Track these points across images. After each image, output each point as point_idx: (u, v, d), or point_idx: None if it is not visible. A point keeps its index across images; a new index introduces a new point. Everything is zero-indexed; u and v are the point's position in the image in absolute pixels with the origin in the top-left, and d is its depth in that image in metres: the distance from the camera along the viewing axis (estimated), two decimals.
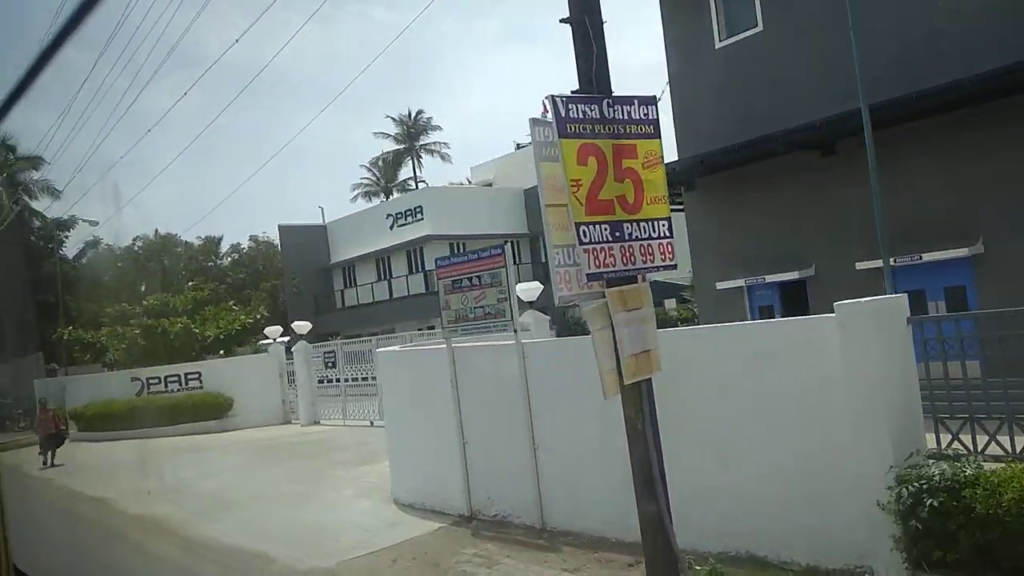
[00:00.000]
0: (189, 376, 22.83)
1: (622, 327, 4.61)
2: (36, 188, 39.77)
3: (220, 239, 54.69)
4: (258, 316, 27.01)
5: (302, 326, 22.44)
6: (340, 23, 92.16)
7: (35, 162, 39.27)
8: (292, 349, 21.94)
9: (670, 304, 35.53)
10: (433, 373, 8.63)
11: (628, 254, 4.70)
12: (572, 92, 4.75)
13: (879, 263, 13.62)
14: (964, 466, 4.68)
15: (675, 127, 17.20)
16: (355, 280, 37.59)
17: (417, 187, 50.52)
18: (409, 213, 33.63)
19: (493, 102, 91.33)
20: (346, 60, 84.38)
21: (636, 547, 6.52)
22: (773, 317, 15.40)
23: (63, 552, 9.19)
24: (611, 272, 4.59)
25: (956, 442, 5.31)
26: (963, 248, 12.57)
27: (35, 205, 40.16)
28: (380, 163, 53.09)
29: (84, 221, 36.21)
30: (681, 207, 20.63)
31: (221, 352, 26.69)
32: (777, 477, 5.60)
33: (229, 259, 54.58)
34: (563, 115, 4.53)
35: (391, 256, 35.18)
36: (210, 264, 52.88)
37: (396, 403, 9.59)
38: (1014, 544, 4.35)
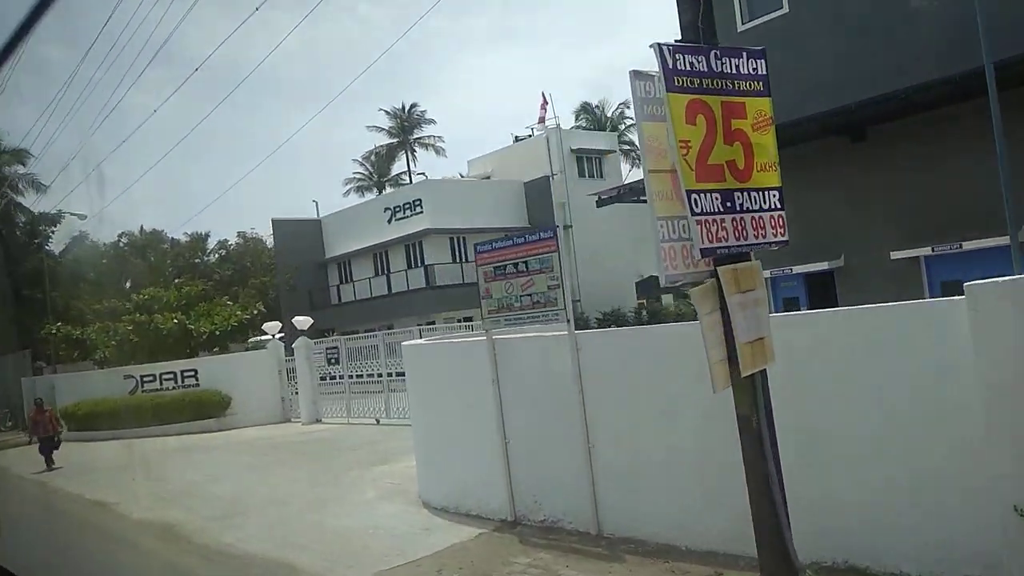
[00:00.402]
0: (185, 373, 22.08)
1: (737, 311, 4.03)
2: (21, 182, 38.78)
3: (207, 235, 53.70)
4: (254, 312, 26.24)
5: (303, 321, 21.76)
6: (324, 19, 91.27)
7: (20, 155, 38.27)
8: (293, 345, 21.23)
9: (667, 300, 35.11)
10: (470, 367, 8.03)
11: (740, 227, 4.13)
12: (676, 41, 4.17)
13: (916, 252, 13.16)
14: None
15: None
16: (351, 275, 36.85)
17: (411, 181, 49.77)
18: (408, 206, 32.92)
19: (482, 99, 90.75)
20: (330, 56, 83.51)
21: (710, 556, 5.97)
22: (799, 309, 14.92)
23: (65, 561, 8.54)
24: (723, 247, 4.01)
25: None
26: (1005, 236, 12.08)
27: (20, 200, 39.18)
28: (373, 157, 52.27)
29: (71, 215, 35.23)
30: None
31: (216, 349, 25.93)
32: (884, 478, 5.04)
33: (216, 256, 53.60)
34: (670, 66, 3.94)
35: (389, 250, 34.47)
36: (197, 261, 51.88)
37: (425, 400, 8.98)
38: None
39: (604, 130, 43.79)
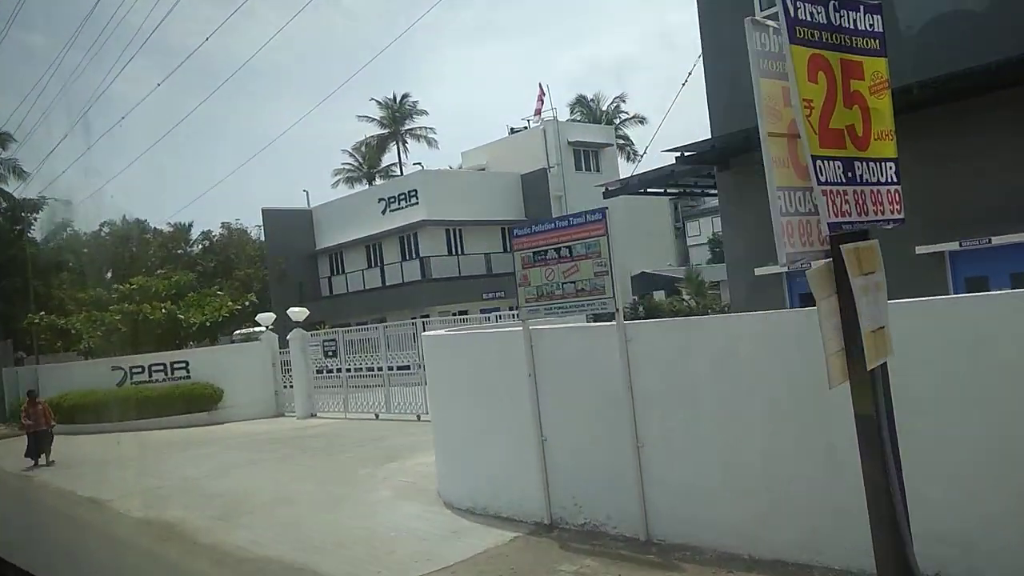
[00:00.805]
0: (175, 365, 21.39)
1: (860, 295, 3.55)
2: (2, 167, 37.74)
3: (190, 225, 52.82)
4: (246, 303, 25.55)
5: (298, 312, 21.10)
6: (308, 10, 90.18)
7: (1, 139, 37.24)
8: (287, 337, 20.61)
9: (659, 296, 34.77)
10: (502, 359, 7.55)
11: (861, 201, 3.66)
12: None
13: (942, 247, 12.81)
14: None
15: (707, 102, 16.24)
16: (343, 267, 36.16)
17: (402, 172, 49.11)
18: (403, 197, 32.28)
19: (467, 93, 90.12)
20: (313, 47, 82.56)
21: (778, 566, 5.51)
22: (814, 305, 14.52)
23: (61, 564, 7.95)
24: (847, 223, 3.54)
25: None
26: None
27: (1, 186, 38.13)
28: (363, 148, 51.51)
29: (56, 200, 34.28)
30: (713, 190, 19.75)
31: (206, 340, 25.24)
32: (992, 482, 4.60)
33: (199, 246, 52.70)
34: (792, 15, 3.45)
35: (383, 242, 33.81)
36: (180, 251, 50.96)
37: (448, 394, 8.46)
38: None
39: (599, 124, 43.32)
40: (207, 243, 52.12)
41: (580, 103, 46.75)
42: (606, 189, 19.37)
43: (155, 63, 69.24)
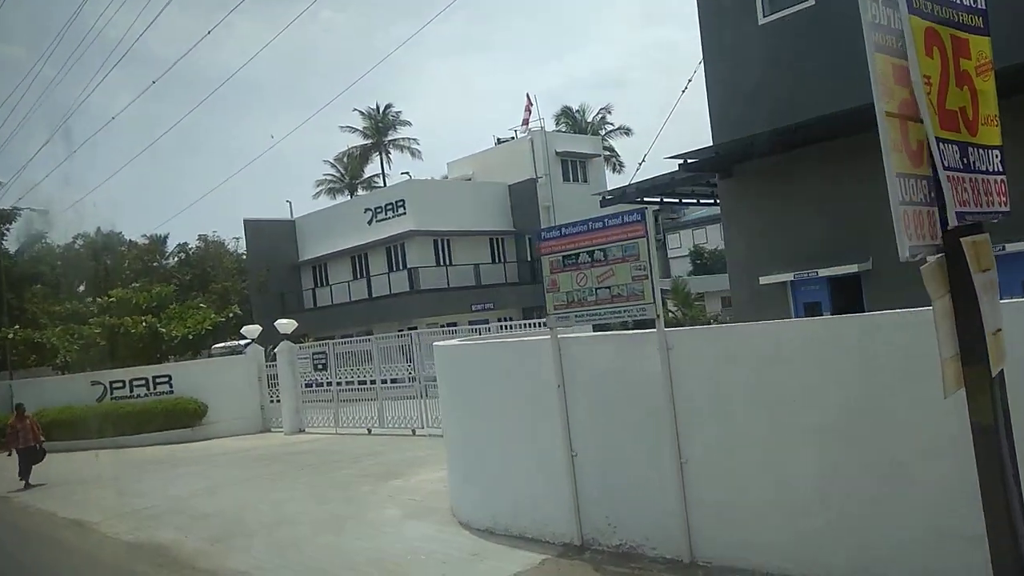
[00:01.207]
0: (158, 380, 20.67)
1: (981, 293, 3.19)
2: None
3: (166, 238, 51.86)
4: (230, 315, 24.88)
5: (285, 324, 20.51)
6: (286, 23, 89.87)
7: None
8: (275, 350, 20.01)
9: None
10: (526, 370, 7.12)
11: (977, 191, 3.31)
12: None
13: None
14: None
15: (709, 109, 16.00)
16: (327, 278, 35.51)
17: (385, 183, 48.61)
18: (390, 207, 31.76)
19: (445, 107, 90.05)
20: (289, 59, 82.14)
21: None
22: (820, 315, 14.28)
23: None
24: (969, 213, 3.18)
25: None
26: None
27: None
28: (346, 159, 50.95)
29: (31, 211, 33.37)
30: (708, 200, 19.50)
31: (189, 354, 24.52)
32: None
33: (175, 259, 51.71)
34: None
35: (369, 252, 33.23)
36: (155, 264, 49.95)
37: (464, 407, 8.01)
38: None
39: (586, 135, 43.17)
40: (183, 255, 51.19)
41: (565, 114, 46.62)
42: (603, 198, 19.04)
43: (130, 74, 68.40)
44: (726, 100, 15.69)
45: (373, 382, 17.52)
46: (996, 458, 3.29)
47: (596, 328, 7.50)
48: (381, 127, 49.72)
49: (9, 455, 14.20)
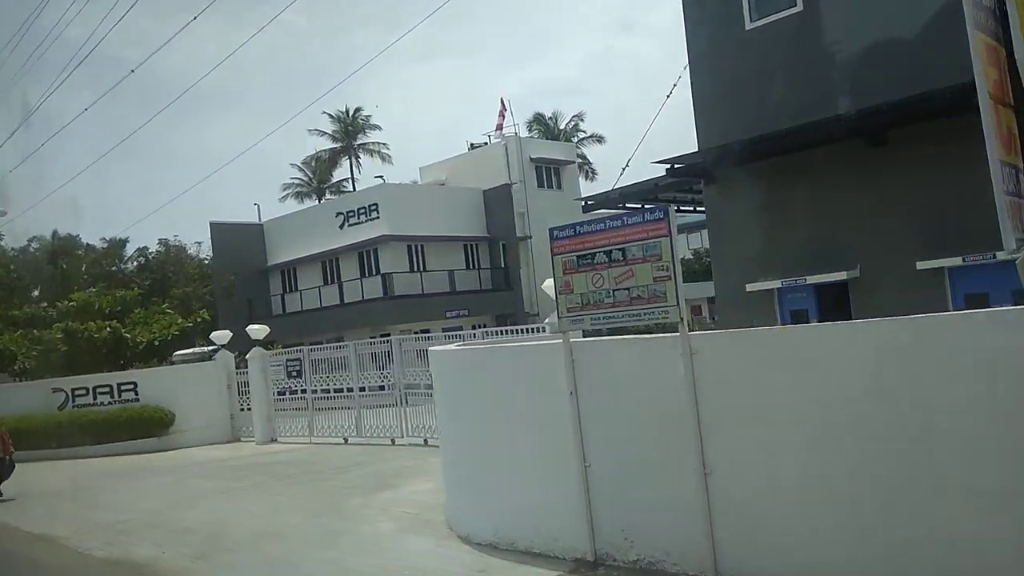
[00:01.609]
0: (123, 387, 19.93)
1: None
2: None
3: (125, 241, 50.40)
4: (198, 320, 24.14)
5: (257, 330, 19.95)
6: (248, 25, 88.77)
7: None
8: (247, 357, 19.40)
9: None
10: (534, 376, 6.82)
11: None
12: None
13: (945, 262, 12.59)
14: None
15: (695, 115, 15.90)
16: (296, 284, 34.78)
17: (355, 188, 47.98)
18: (363, 211, 31.20)
19: (409, 113, 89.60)
20: (253, 63, 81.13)
21: None
22: (808, 322, 14.22)
23: None
24: None
25: None
26: None
27: None
28: (314, 163, 50.19)
29: None
30: (688, 207, 19.40)
31: (154, 360, 23.72)
32: None
33: (134, 263, 50.32)
34: None
35: (340, 257, 32.61)
36: (113, 268, 48.50)
37: (463, 415, 7.67)
38: None
39: (557, 141, 43.08)
40: (142, 260, 49.83)
41: (538, 121, 46.52)
42: (585, 203, 18.86)
43: (88, 75, 66.74)
44: (711, 106, 15.62)
45: (350, 390, 17.05)
46: None
47: (586, 333, 7.22)
48: (351, 130, 49.12)
49: None
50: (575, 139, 45.53)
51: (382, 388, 16.54)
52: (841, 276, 13.74)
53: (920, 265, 12.63)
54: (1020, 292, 12.09)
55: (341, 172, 51.57)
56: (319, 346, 18.59)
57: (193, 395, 19.94)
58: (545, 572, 6.33)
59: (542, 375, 6.67)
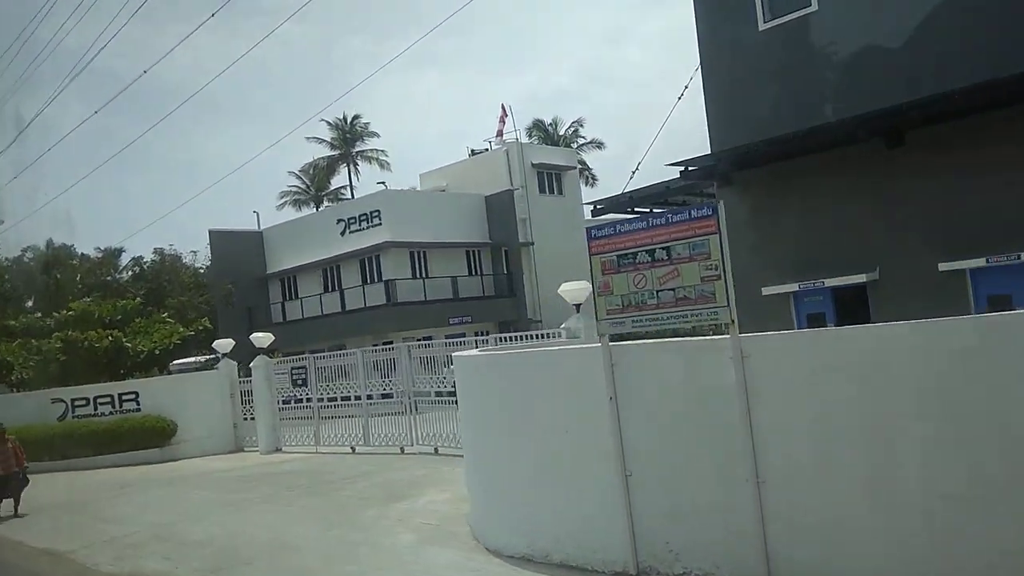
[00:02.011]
0: (124, 397, 19.56)
1: None
2: None
3: (120, 251, 50.01)
4: (200, 329, 23.79)
5: (262, 338, 19.59)
6: (241, 35, 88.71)
7: None
8: (251, 365, 19.06)
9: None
10: (568, 381, 6.56)
11: None
12: None
13: (967, 263, 12.36)
14: None
15: (707, 117, 15.68)
16: (296, 291, 34.41)
17: (353, 195, 47.72)
18: (364, 218, 30.90)
19: (401, 122, 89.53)
20: (249, 73, 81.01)
21: None
22: (824, 326, 13.98)
23: None
24: None
25: None
26: None
27: None
28: (312, 170, 49.90)
29: None
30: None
31: (154, 370, 23.35)
32: None
33: (129, 273, 49.92)
34: None
35: (341, 265, 32.28)
36: (108, 278, 48.07)
37: (492, 422, 7.39)
38: None
39: (558, 147, 42.89)
40: (137, 269, 49.43)
41: (538, 127, 46.29)
42: (595, 207, 18.61)
43: (78, 84, 66.32)
44: (723, 107, 15.41)
45: (358, 398, 16.73)
46: None
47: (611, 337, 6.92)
48: (349, 138, 48.86)
49: None
50: (574, 145, 45.35)
51: (387, 396, 16.24)
52: (860, 279, 13.49)
53: (942, 267, 12.40)
54: None
55: (339, 180, 51.36)
56: (326, 354, 18.26)
57: (195, 405, 19.59)
58: None
59: (579, 380, 6.40)
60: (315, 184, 50.68)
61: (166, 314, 26.58)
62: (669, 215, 5.71)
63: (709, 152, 15.26)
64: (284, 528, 9.37)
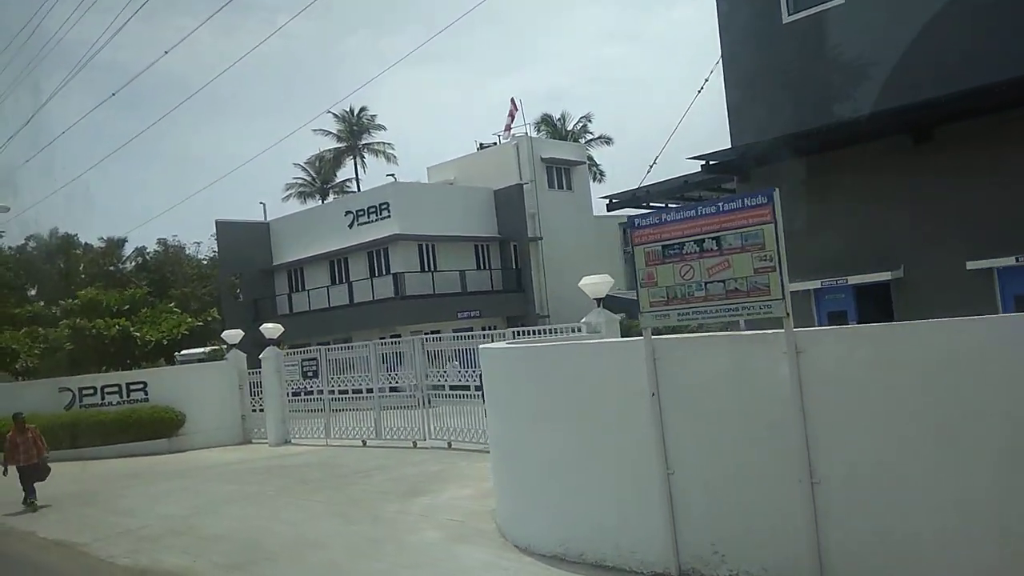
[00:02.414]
0: (132, 386, 19.39)
1: None
2: None
3: (124, 241, 49.94)
4: (208, 319, 23.59)
5: (272, 329, 19.40)
6: (243, 31, 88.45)
7: None
8: (260, 356, 18.87)
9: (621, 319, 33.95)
10: (606, 376, 6.36)
11: None
12: None
13: (995, 262, 12.16)
14: None
15: (728, 111, 15.46)
16: (303, 283, 34.18)
17: (359, 187, 47.50)
18: (373, 210, 30.64)
19: (403, 117, 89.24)
20: (254, 66, 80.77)
21: None
22: (846, 324, 13.77)
23: None
24: None
25: None
26: None
27: None
28: (318, 162, 49.67)
29: None
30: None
31: (161, 360, 23.18)
32: None
33: (132, 263, 49.87)
34: None
35: (349, 257, 32.04)
36: (111, 268, 48.01)
37: (523, 416, 7.19)
38: None
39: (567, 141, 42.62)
40: (140, 260, 49.38)
41: (546, 122, 46.02)
42: (610, 201, 18.40)
43: (79, 77, 66.04)
44: (744, 102, 15.18)
45: (369, 391, 16.54)
46: None
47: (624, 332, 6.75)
48: (356, 130, 48.60)
49: (5, 474, 12.02)
50: (582, 140, 45.09)
51: (394, 389, 16.05)
52: (884, 277, 13.29)
53: (970, 265, 12.19)
54: None
55: (344, 172, 51.13)
56: (337, 346, 18.07)
57: (204, 396, 19.43)
58: None
59: (618, 375, 6.20)
60: (321, 176, 50.50)
61: (173, 304, 26.40)
62: (720, 203, 5.50)
63: (730, 146, 15.07)
64: (303, 522, 9.17)
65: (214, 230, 36.17)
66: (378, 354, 16.44)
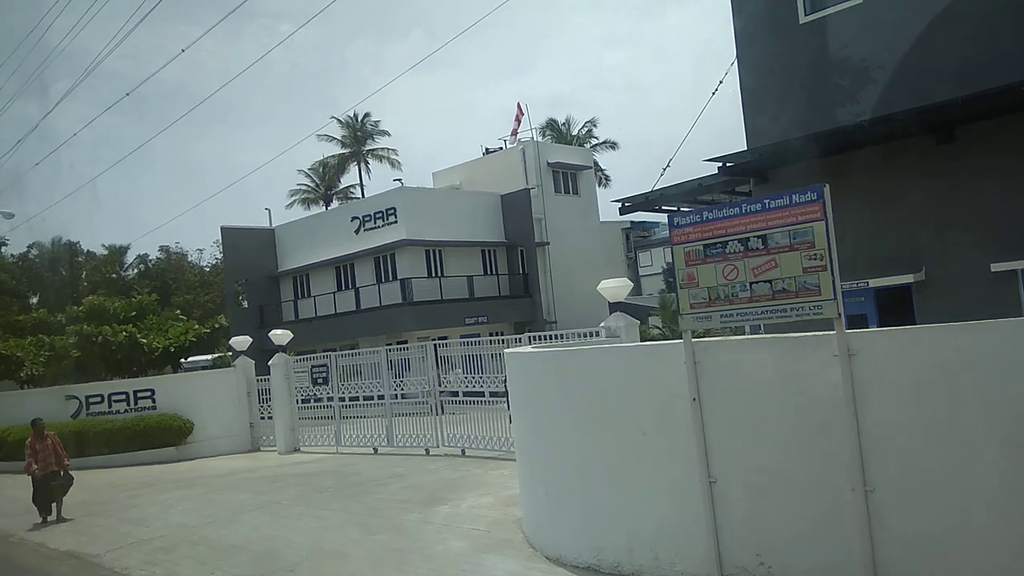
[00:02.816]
0: (139, 394, 19.18)
1: None
2: None
3: (126, 248, 49.84)
4: (216, 326, 23.40)
5: (281, 335, 19.21)
6: (244, 38, 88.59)
7: None
8: (269, 363, 18.66)
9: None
10: (642, 381, 6.15)
11: None
12: None
13: (1021, 264, 11.96)
14: None
15: (743, 112, 15.29)
16: (309, 289, 33.97)
17: (363, 193, 47.35)
18: (380, 216, 30.44)
19: (404, 123, 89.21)
20: (251, 74, 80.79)
21: None
22: (867, 327, 13.56)
23: None
24: None
25: None
26: None
27: None
28: (322, 168, 49.53)
29: None
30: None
31: (168, 367, 22.97)
32: None
33: (135, 271, 49.78)
34: None
35: (355, 263, 31.84)
36: (113, 276, 47.92)
37: (552, 423, 6.98)
38: None
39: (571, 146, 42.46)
40: (142, 267, 49.29)
41: (551, 127, 45.87)
42: (622, 204, 18.19)
43: (84, 86, 66.17)
44: (760, 103, 15.02)
45: (381, 397, 16.32)
46: None
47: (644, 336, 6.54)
48: (359, 136, 48.46)
49: (37, 474, 11.57)
50: (587, 145, 44.92)
51: (404, 396, 15.83)
52: (906, 279, 13.08)
53: (995, 267, 11.98)
54: None
55: (348, 178, 51.00)
56: (348, 352, 17.86)
57: (212, 403, 19.23)
58: None
59: (655, 379, 6.00)
60: (325, 182, 50.34)
61: (179, 312, 26.21)
62: (766, 200, 5.30)
63: (745, 148, 14.89)
64: (321, 532, 8.95)
65: (218, 236, 36.04)
66: (389, 360, 16.22)
